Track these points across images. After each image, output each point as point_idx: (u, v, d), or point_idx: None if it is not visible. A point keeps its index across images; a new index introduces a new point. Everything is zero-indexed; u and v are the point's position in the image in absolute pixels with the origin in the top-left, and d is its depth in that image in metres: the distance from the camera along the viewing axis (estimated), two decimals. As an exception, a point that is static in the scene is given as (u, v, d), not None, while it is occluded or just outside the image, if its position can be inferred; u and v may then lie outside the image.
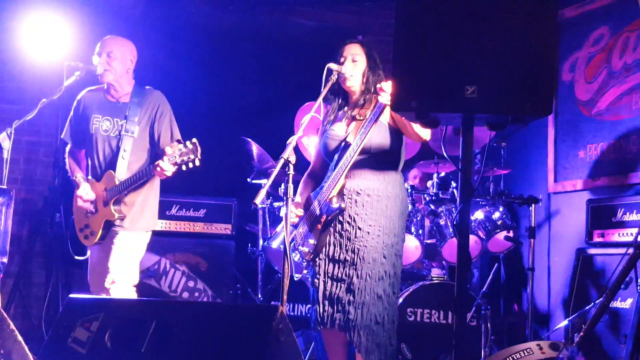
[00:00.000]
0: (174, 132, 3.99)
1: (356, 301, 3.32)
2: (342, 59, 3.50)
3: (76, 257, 4.16)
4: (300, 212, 3.53)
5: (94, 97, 4.07)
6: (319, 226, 3.44)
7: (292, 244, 3.55)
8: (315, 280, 3.47)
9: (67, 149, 4.18)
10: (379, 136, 3.39)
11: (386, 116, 3.40)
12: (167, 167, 3.68)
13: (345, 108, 3.59)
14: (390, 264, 3.38)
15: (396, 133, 3.45)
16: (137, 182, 3.86)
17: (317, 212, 3.44)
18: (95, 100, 4.06)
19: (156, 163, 3.72)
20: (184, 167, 3.66)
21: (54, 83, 4.14)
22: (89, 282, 4.08)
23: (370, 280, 3.33)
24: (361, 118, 3.45)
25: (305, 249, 3.48)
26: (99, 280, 3.92)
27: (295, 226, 3.57)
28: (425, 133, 3.35)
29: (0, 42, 5.64)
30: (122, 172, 3.90)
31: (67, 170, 4.18)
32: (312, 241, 3.46)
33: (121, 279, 3.85)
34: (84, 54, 4.38)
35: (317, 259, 3.46)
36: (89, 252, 4.08)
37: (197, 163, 3.63)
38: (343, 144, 3.45)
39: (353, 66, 3.49)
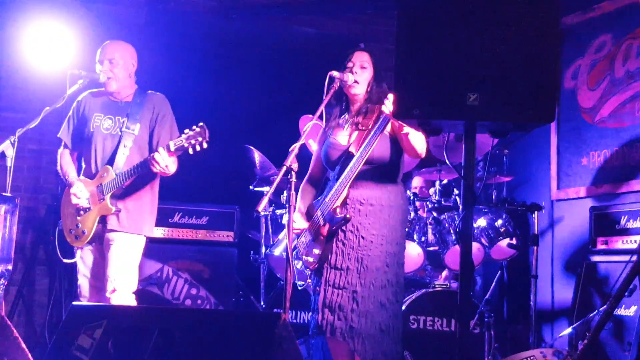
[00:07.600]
0: (173, 137, 3.94)
1: (360, 309, 3.33)
2: (350, 64, 3.49)
3: (64, 260, 4.10)
4: (304, 224, 3.55)
5: (96, 97, 4.08)
6: (323, 236, 3.45)
7: (294, 253, 3.56)
8: (317, 288, 3.47)
9: (60, 149, 4.13)
10: (381, 148, 3.41)
11: (388, 127, 3.41)
12: (162, 157, 3.67)
13: (347, 115, 3.59)
14: (393, 272, 3.41)
15: (397, 144, 3.47)
16: (134, 174, 3.81)
17: (321, 222, 3.45)
18: (98, 100, 4.06)
19: (152, 155, 3.70)
20: (190, 150, 3.66)
21: (58, 91, 4.15)
22: (80, 288, 3.95)
23: (374, 288, 3.35)
24: (363, 128, 3.46)
25: (310, 259, 3.50)
26: (96, 285, 3.89)
27: (298, 235, 3.58)
28: (421, 148, 3.38)
29: (3, 51, 5.66)
30: (121, 166, 3.86)
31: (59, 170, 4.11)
32: (316, 251, 3.47)
33: (122, 287, 3.81)
34: (87, 62, 4.39)
35: (321, 268, 3.47)
36: (78, 254, 3.98)
37: (205, 145, 3.64)
38: (346, 154, 3.46)
39: (361, 72, 3.49)
